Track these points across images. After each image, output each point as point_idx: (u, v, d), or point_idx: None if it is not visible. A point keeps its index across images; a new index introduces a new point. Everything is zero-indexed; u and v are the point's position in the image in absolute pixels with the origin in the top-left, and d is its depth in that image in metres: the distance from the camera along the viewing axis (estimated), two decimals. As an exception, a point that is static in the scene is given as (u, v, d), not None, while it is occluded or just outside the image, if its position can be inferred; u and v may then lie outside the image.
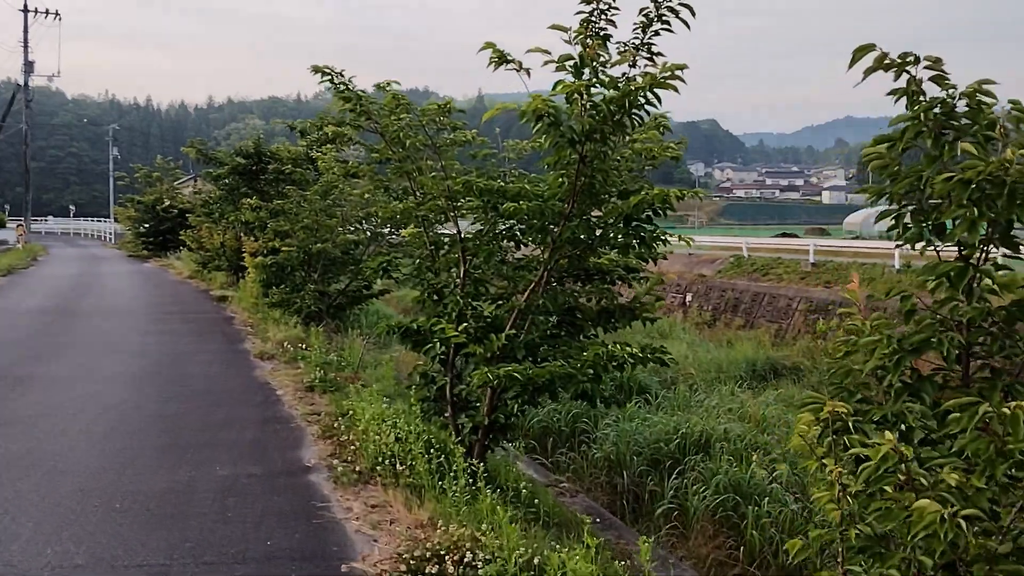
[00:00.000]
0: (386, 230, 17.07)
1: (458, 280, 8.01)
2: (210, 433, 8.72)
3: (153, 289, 25.02)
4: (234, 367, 12.45)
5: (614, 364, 6.95)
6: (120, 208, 45.07)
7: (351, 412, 9.10)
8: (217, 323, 17.47)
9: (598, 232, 7.37)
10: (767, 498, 9.21)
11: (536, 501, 7.33)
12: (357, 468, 7.43)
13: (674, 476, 10.19)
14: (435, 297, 8.30)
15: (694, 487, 9.68)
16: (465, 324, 7.70)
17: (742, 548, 8.62)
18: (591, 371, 7.01)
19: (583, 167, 6.70)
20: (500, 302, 8.04)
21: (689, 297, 30.81)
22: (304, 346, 13.86)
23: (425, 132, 8.16)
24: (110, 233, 58.48)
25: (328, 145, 19.30)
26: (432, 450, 7.22)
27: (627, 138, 7.18)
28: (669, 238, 7.80)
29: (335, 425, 8.81)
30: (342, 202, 16.39)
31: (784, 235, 53.65)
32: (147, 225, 40.65)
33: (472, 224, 8.20)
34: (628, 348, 7.06)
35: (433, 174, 8.17)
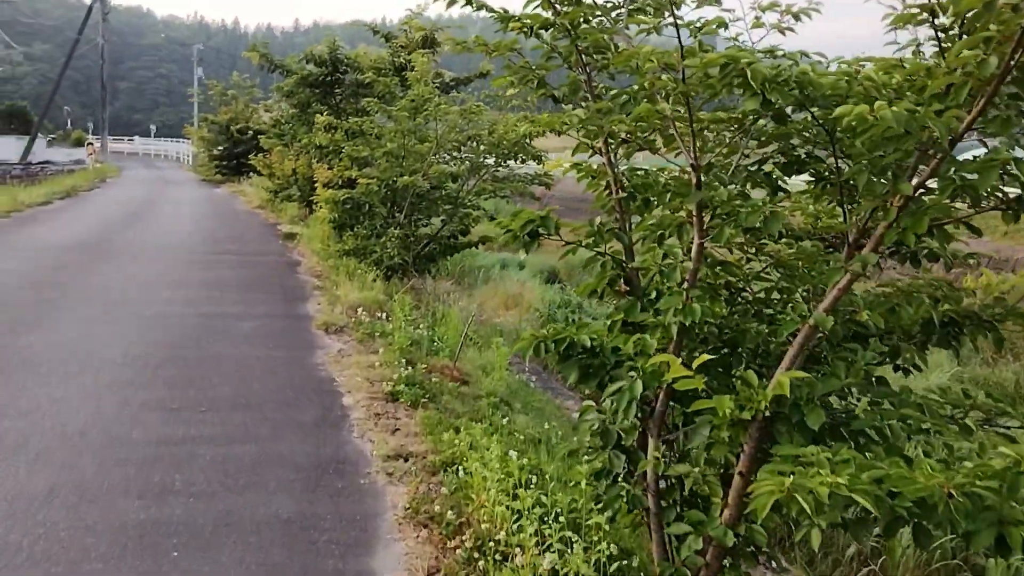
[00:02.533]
0: (491, 159, 13.23)
1: (683, 259, 4.10)
2: (221, 513, 5.12)
3: (214, 221, 21.76)
4: (287, 348, 8.86)
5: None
6: (192, 128, 42.11)
7: (459, 464, 5.44)
8: (278, 270, 13.98)
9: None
10: None
11: None
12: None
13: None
14: (628, 287, 4.44)
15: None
16: (695, 349, 3.99)
17: None
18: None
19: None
20: (765, 309, 4.22)
21: None
22: (385, 314, 10.22)
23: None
24: (187, 155, 55.94)
25: (421, 50, 15.48)
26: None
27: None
28: None
29: (433, 497, 5.13)
30: (437, 122, 12.59)
31: None
32: (221, 148, 37.77)
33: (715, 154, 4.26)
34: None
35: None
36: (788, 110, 3.63)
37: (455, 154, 13.05)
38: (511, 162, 13.28)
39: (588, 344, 4.36)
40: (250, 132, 33.41)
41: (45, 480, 5.18)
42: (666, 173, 4.64)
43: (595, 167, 4.73)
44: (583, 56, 4.37)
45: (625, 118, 3.92)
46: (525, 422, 7.66)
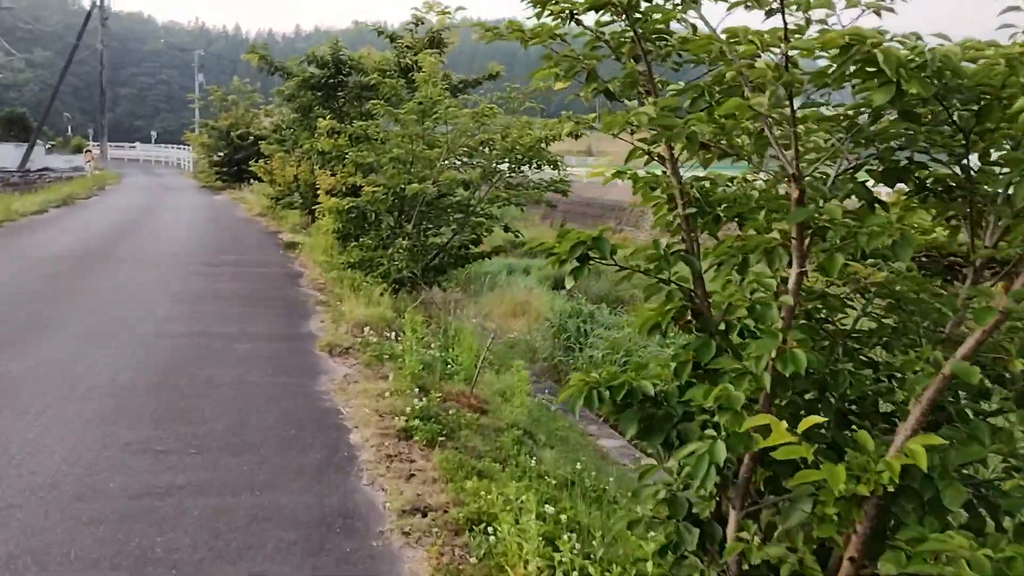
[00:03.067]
0: (504, 165, 12.46)
1: (776, 290, 3.31)
2: None
3: (213, 229, 21.01)
4: (287, 373, 8.08)
5: None
6: (192, 134, 41.39)
7: (487, 522, 4.68)
8: (278, 283, 13.22)
9: None
10: None
11: None
12: None
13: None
14: (697, 322, 3.65)
15: None
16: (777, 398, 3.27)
17: None
18: None
19: None
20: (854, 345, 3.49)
21: None
22: (394, 334, 9.46)
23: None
24: (188, 161, 55.19)
25: (429, 50, 14.72)
26: None
27: None
28: None
29: (459, 567, 4.35)
30: (447, 126, 11.83)
31: None
32: (221, 153, 37.06)
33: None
34: None
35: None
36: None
37: (466, 160, 12.27)
38: (524, 168, 12.52)
39: (651, 392, 3.60)
40: (251, 138, 32.73)
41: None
42: (737, 183, 3.88)
43: (642, 175, 3.99)
44: (641, 43, 3.60)
45: (704, 116, 3.14)
46: (553, 458, 6.89)
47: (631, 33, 3.64)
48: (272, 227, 21.84)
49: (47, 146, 54.86)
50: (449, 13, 15.40)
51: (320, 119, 14.99)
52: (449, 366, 8.65)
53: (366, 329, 9.45)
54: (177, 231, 19.98)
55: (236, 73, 40.87)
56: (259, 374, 7.97)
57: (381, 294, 11.32)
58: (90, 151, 44.71)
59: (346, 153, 14.69)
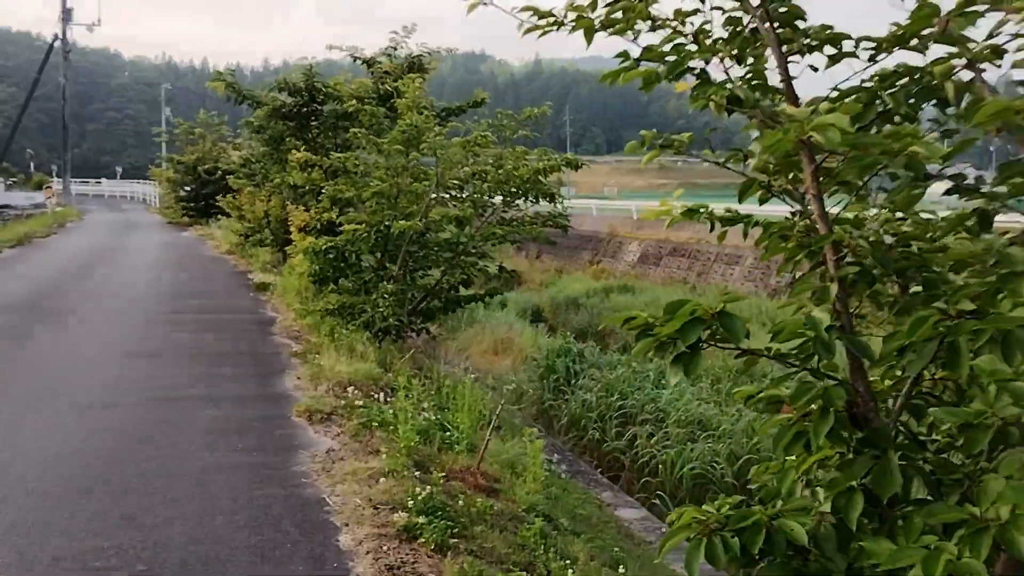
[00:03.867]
0: (497, 199, 11.34)
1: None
2: None
3: (178, 270, 19.64)
4: (260, 450, 6.81)
5: None
6: (157, 169, 40.01)
7: None
8: (248, 332, 11.93)
9: None
10: None
11: None
12: None
13: None
14: (865, 429, 2.51)
15: None
16: None
17: None
18: None
19: None
20: None
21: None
22: (383, 394, 8.24)
23: None
24: (154, 197, 53.57)
25: (412, 74, 13.63)
26: None
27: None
28: None
29: None
30: (435, 157, 10.70)
31: None
32: (187, 188, 35.73)
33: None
34: None
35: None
36: None
37: (454, 193, 11.12)
38: (519, 201, 11.39)
39: (804, 540, 2.42)
40: (218, 172, 31.51)
41: None
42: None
43: (718, 214, 2.90)
44: (775, 28, 2.48)
45: (917, 130, 2.01)
46: (585, 555, 5.68)
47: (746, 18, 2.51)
48: (241, 266, 20.54)
49: (8, 183, 53.11)
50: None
51: (293, 150, 13.80)
52: (449, 433, 7.44)
53: (350, 389, 8.21)
54: (138, 273, 18.62)
55: (204, 107, 39.50)
56: (227, 451, 6.70)
57: (365, 342, 10.12)
58: (51, 187, 43.18)
59: (321, 188, 13.53)
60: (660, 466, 12.12)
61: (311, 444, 6.98)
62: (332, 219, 14.47)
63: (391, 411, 7.49)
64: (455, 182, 10.71)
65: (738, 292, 2.80)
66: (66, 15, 50.80)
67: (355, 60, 14.97)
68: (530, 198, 11.19)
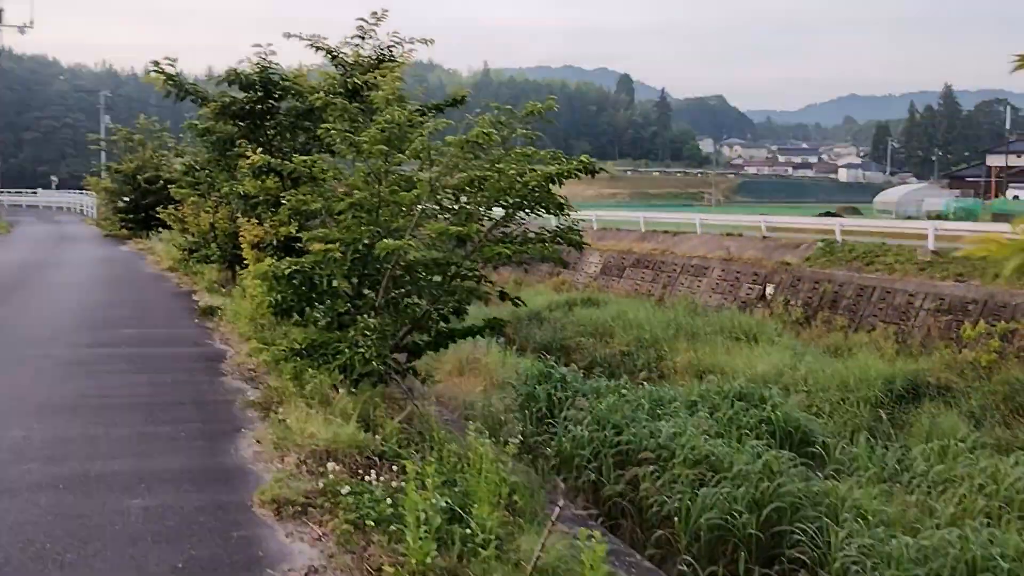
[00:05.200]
0: (497, 210, 9.41)
1: None
2: None
3: (112, 291, 17.29)
4: (213, 569, 4.78)
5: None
6: (93, 179, 37.23)
7: None
8: (194, 372, 9.80)
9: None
10: None
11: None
12: None
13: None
14: None
15: None
16: None
17: None
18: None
19: None
20: None
21: (770, 289, 25.54)
22: (374, 472, 6.24)
23: None
24: (92, 208, 50.44)
25: (388, 63, 11.65)
26: None
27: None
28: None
29: None
30: (418, 160, 8.73)
31: (828, 214, 48.08)
32: (126, 199, 33.11)
33: None
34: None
35: None
36: None
37: (447, 204, 9.11)
38: (521, 213, 9.46)
39: None
40: (160, 181, 29.03)
41: None
42: None
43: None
44: None
45: None
46: None
47: None
48: (185, 285, 18.28)
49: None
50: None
51: (247, 153, 11.70)
52: (468, 530, 5.46)
53: (330, 465, 6.18)
54: (65, 295, 16.24)
55: (146, 115, 36.81)
56: (161, 577, 4.65)
57: (336, 388, 8.10)
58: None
59: (279, 197, 11.50)
60: (671, 514, 10.37)
61: (283, 557, 4.95)
62: (291, 234, 12.41)
63: (388, 500, 5.50)
64: (446, 192, 8.72)
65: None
66: (-5, 15, 47.70)
67: (316, 50, 12.91)
68: (536, 210, 9.27)
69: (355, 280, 8.75)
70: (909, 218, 48.12)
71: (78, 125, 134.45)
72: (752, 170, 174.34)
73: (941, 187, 77.96)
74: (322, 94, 10.14)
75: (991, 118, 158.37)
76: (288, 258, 8.62)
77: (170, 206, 20.86)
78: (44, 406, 8.08)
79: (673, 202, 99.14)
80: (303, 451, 6.54)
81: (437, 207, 8.97)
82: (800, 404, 14.92)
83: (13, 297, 15.75)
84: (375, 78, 11.37)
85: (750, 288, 26.30)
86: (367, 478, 6.04)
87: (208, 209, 17.24)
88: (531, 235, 9.60)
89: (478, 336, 9.83)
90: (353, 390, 8.22)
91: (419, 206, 8.45)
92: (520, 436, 13.27)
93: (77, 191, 70.36)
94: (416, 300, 8.99)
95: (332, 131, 8.39)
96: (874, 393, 15.64)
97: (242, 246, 12.86)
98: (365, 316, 8.16)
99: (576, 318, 25.55)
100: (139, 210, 32.11)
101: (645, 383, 16.66)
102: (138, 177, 31.63)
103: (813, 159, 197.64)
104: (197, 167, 16.85)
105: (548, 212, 9.37)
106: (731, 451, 11.89)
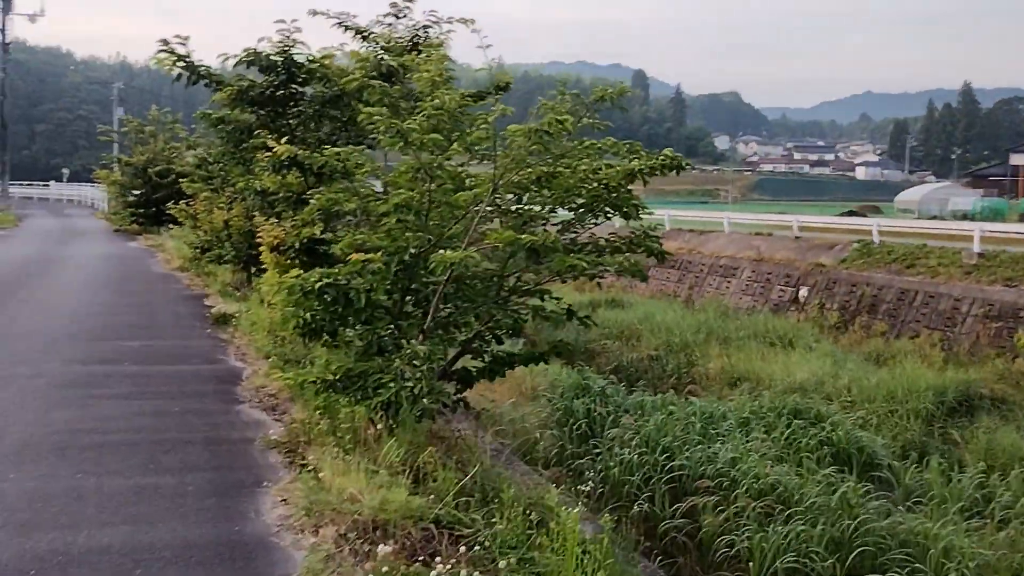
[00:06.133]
0: (562, 212, 7.97)
1: None
2: None
3: (118, 294, 15.94)
4: None
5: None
6: (104, 171, 36.02)
7: None
8: (204, 398, 8.42)
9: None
10: None
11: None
12: None
13: None
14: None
15: None
16: None
17: None
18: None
19: None
20: None
21: (804, 292, 24.33)
22: (439, 545, 4.83)
23: None
24: (101, 201, 49.28)
25: (425, 46, 10.22)
26: None
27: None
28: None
29: None
30: (494, 151, 7.30)
31: (851, 213, 47.05)
32: (137, 192, 31.89)
33: None
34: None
35: None
36: None
37: (506, 206, 7.67)
38: (588, 215, 8.02)
39: None
40: (172, 175, 27.79)
41: None
42: None
43: None
44: None
45: None
46: None
47: None
48: (196, 287, 16.94)
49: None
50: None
51: (261, 146, 10.30)
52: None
53: (380, 547, 4.76)
54: (66, 299, 14.88)
55: (160, 106, 35.48)
56: None
57: (375, 425, 6.70)
58: (-17, 191, 39.03)
59: (301, 195, 10.13)
60: (739, 554, 9.08)
61: None
62: (315, 235, 11.02)
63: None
64: (511, 189, 7.28)
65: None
66: (5, 3, 46.61)
67: (345, 30, 11.48)
68: (607, 212, 7.83)
69: (396, 296, 7.31)
70: (933, 217, 46.94)
71: (91, 117, 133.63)
72: (768, 167, 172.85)
73: (963, 186, 76.43)
74: (357, 74, 8.67)
75: (1011, 116, 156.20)
76: (318, 268, 7.18)
77: (181, 201, 19.59)
78: (26, 446, 6.70)
79: (688, 199, 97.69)
80: (343, 521, 5.12)
81: (490, 209, 7.52)
82: (854, 421, 13.76)
83: (10, 300, 14.40)
84: (412, 61, 9.94)
85: (782, 290, 25.20)
86: (428, 562, 4.62)
87: (222, 205, 15.92)
88: (602, 242, 8.17)
89: (541, 363, 8.35)
90: (394, 425, 6.81)
91: (476, 208, 7.01)
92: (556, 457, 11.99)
93: (89, 184, 69.42)
94: (468, 319, 7.53)
95: (376, 118, 6.94)
96: (925, 405, 14.46)
97: (260, 248, 11.52)
98: (414, 343, 6.72)
99: (601, 320, 24.41)
100: (150, 204, 31.01)
101: (688, 396, 15.40)
102: (149, 170, 30.52)
103: (830, 157, 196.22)
104: (210, 160, 15.45)
105: (622, 215, 7.92)
106: (799, 480, 10.56)
